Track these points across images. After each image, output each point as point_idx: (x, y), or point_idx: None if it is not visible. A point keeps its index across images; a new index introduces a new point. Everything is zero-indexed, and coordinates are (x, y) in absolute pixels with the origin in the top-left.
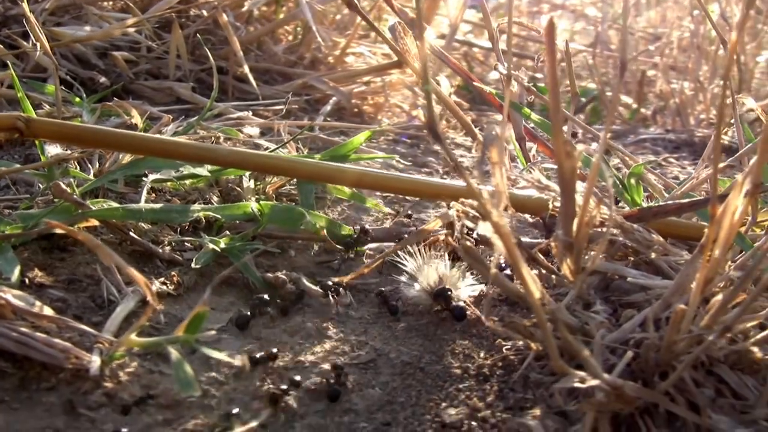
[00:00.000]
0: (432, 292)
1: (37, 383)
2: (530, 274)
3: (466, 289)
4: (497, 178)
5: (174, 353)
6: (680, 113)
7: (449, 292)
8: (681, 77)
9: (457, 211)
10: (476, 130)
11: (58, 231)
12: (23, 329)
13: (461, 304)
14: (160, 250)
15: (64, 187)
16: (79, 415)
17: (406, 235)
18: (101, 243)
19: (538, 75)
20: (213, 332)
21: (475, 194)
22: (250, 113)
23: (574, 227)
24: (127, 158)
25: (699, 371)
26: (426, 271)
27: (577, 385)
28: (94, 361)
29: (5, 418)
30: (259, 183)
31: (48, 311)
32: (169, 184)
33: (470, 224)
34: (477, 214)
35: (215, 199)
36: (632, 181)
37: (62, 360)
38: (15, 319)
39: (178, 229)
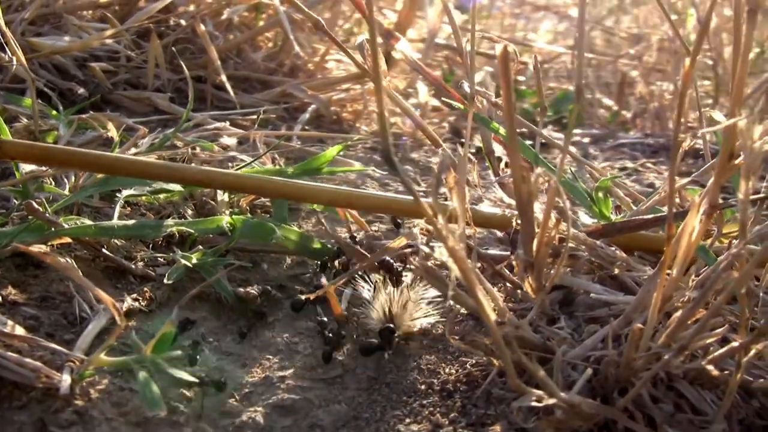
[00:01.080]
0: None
1: (8, 402)
2: (484, 298)
3: (418, 320)
4: (455, 201)
5: (141, 373)
6: (659, 117)
7: (392, 334)
8: (663, 79)
9: (421, 230)
10: (440, 149)
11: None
12: None
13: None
14: (133, 266)
15: (36, 206)
16: None
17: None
18: (71, 265)
19: (521, 77)
20: (179, 352)
21: (432, 220)
22: (228, 123)
23: (534, 246)
24: (101, 174)
25: (659, 387)
26: (379, 301)
27: (535, 403)
28: (65, 380)
29: None
30: (233, 196)
31: (20, 331)
32: (143, 198)
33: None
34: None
35: (189, 212)
36: (600, 194)
37: (33, 379)
38: None
39: (151, 245)
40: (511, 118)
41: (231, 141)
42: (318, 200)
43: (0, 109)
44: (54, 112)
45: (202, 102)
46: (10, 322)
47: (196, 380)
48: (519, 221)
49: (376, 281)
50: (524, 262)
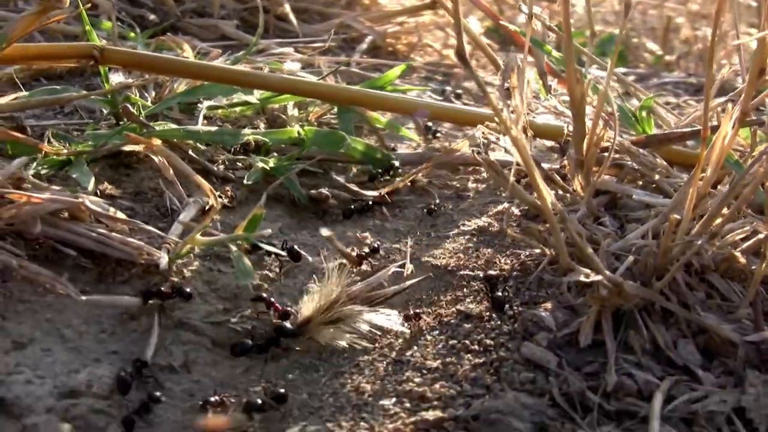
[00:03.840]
0: None
1: (112, 277)
2: (543, 182)
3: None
4: (516, 99)
5: (234, 249)
6: (703, 59)
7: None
8: (709, 24)
9: (483, 133)
10: (501, 62)
11: (125, 149)
12: (101, 230)
13: None
14: (215, 168)
15: (131, 109)
16: (151, 303)
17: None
18: (173, 153)
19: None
20: (269, 231)
21: (497, 111)
22: (292, 50)
23: (585, 146)
24: (182, 87)
25: (693, 277)
26: None
27: (583, 279)
28: (163, 258)
29: (87, 305)
30: (302, 111)
31: (121, 215)
32: (220, 111)
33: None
34: (500, 135)
35: (262, 125)
36: (643, 113)
37: (135, 256)
38: (92, 222)
39: (231, 150)
40: (568, 22)
41: (295, 66)
42: (387, 107)
43: (84, 28)
44: (132, 34)
45: (265, 31)
46: (111, 209)
47: (284, 252)
48: (571, 127)
49: None
50: (575, 161)
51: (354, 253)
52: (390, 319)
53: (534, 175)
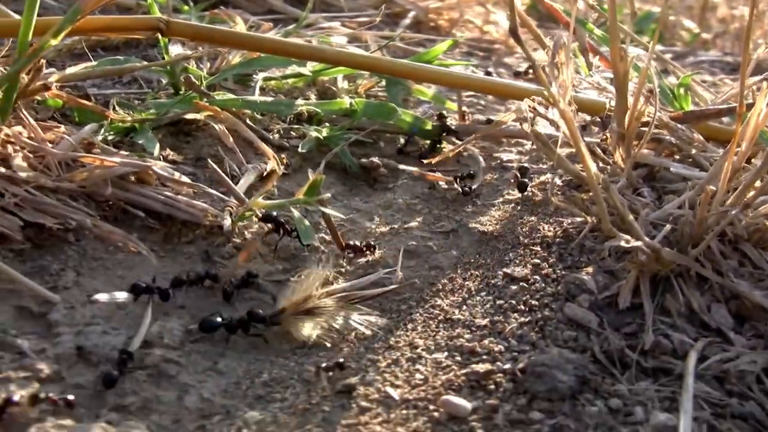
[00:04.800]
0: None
1: (178, 237)
2: (588, 152)
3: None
4: (563, 74)
5: (295, 212)
6: (739, 37)
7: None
8: (745, 3)
9: (529, 106)
10: (545, 40)
11: (185, 117)
12: (167, 193)
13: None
14: (271, 137)
15: (194, 79)
16: (215, 262)
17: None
18: (239, 120)
19: None
20: (328, 195)
21: (546, 85)
22: (338, 24)
23: (626, 120)
24: (236, 59)
25: (726, 246)
26: None
27: (623, 245)
28: (226, 220)
29: (155, 263)
30: (351, 84)
31: (185, 179)
32: (273, 83)
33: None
34: (546, 109)
35: (313, 97)
36: (681, 90)
37: (201, 218)
38: (159, 186)
39: (285, 120)
40: (613, 2)
41: (342, 40)
42: (439, 81)
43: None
44: (185, 7)
45: None
46: (176, 173)
47: (342, 216)
48: (613, 102)
49: None
50: (617, 134)
51: (352, 243)
52: (366, 320)
53: (579, 146)
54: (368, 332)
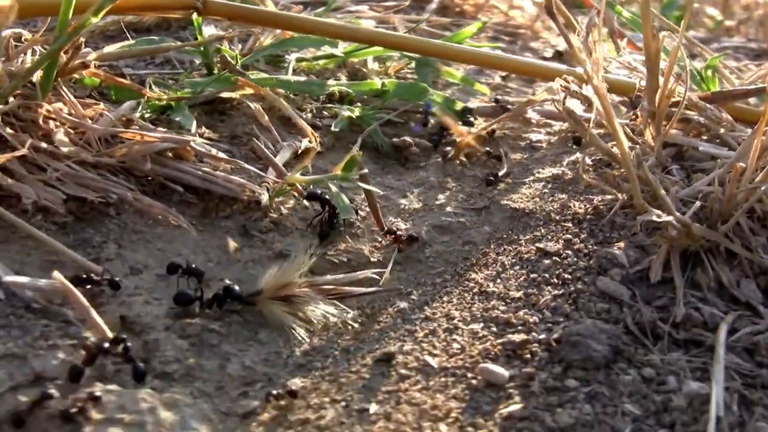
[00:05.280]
0: None
1: (216, 212)
2: (620, 127)
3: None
4: (597, 53)
5: (333, 187)
6: (763, 24)
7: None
8: None
9: (561, 85)
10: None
11: (221, 96)
12: (205, 168)
13: None
14: (304, 116)
15: (229, 59)
16: (252, 237)
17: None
18: (278, 97)
19: None
20: (365, 170)
21: (581, 61)
22: (366, 8)
23: (657, 99)
24: (268, 41)
25: (755, 222)
26: None
27: (655, 219)
28: (264, 195)
29: (194, 236)
30: (381, 65)
31: (223, 155)
32: (304, 63)
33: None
34: (578, 88)
35: (344, 78)
36: (708, 72)
37: (239, 193)
38: (196, 162)
39: (317, 100)
40: None
41: (369, 23)
42: (474, 61)
43: None
44: None
45: None
46: (213, 149)
47: (380, 192)
48: (643, 82)
49: None
50: (647, 113)
51: (394, 232)
52: (342, 314)
53: (612, 121)
54: (341, 326)
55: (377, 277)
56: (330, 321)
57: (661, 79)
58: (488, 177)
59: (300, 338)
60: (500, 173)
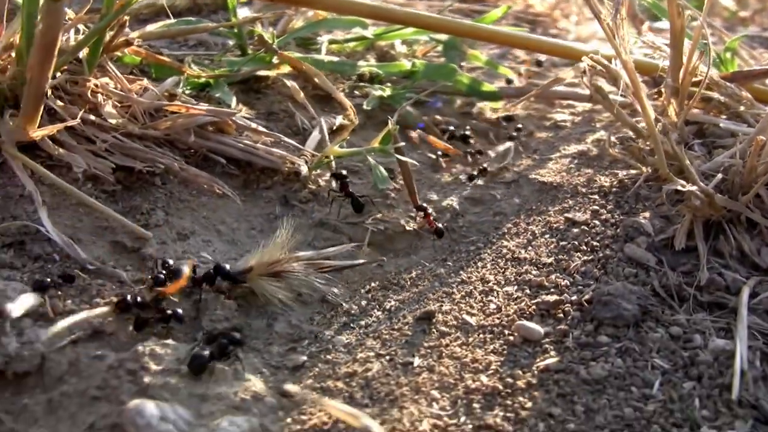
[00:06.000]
0: None
1: (256, 184)
2: (647, 99)
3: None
4: (623, 30)
5: (371, 159)
6: None
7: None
8: None
9: (588, 64)
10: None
11: (257, 75)
12: (246, 141)
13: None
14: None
15: (266, 38)
16: (293, 206)
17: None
18: (320, 72)
19: None
20: (402, 143)
21: (610, 37)
22: None
23: (681, 75)
24: (299, 23)
25: None
26: None
27: (680, 188)
28: (303, 167)
29: (237, 206)
30: (409, 48)
31: (263, 129)
32: (334, 46)
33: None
34: (603, 68)
35: (372, 59)
36: (727, 54)
37: (280, 164)
38: (237, 135)
39: (349, 80)
40: None
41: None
42: (508, 42)
43: None
44: None
45: None
46: (253, 123)
47: (416, 164)
48: (665, 62)
49: None
50: (671, 89)
51: (425, 209)
52: (331, 288)
53: (640, 93)
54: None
55: (354, 250)
56: (317, 295)
57: (685, 58)
58: (471, 173)
59: (340, 300)
60: (485, 166)
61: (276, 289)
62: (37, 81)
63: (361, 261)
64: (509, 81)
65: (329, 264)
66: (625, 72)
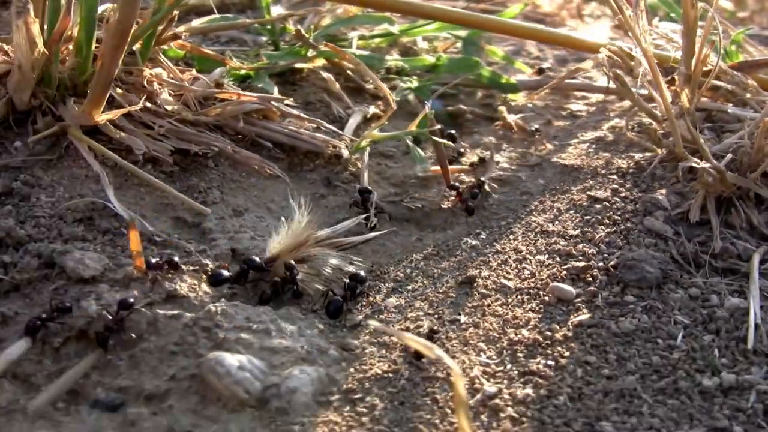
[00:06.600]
0: None
1: (300, 166)
2: (664, 82)
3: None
4: (641, 20)
5: (409, 141)
6: None
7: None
8: None
9: (606, 55)
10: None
11: (294, 67)
12: (291, 127)
13: None
14: (366, 87)
15: (303, 32)
16: (336, 187)
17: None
18: (361, 62)
19: None
20: (438, 126)
21: (629, 25)
22: None
23: (693, 63)
24: (326, 20)
25: None
26: None
27: (694, 164)
28: (345, 150)
29: (284, 185)
30: (430, 44)
31: (305, 116)
32: (360, 42)
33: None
34: (621, 58)
35: (396, 55)
36: (733, 47)
37: (323, 148)
38: (281, 122)
39: (380, 73)
40: None
41: None
42: (532, 36)
43: None
44: None
45: None
46: (295, 111)
47: (453, 143)
48: (677, 53)
49: None
50: (684, 75)
51: (457, 188)
52: (355, 265)
53: (658, 77)
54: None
55: (364, 222)
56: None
57: (697, 47)
58: (472, 191)
59: (386, 269)
60: (484, 178)
61: (303, 274)
62: (108, 67)
63: (372, 235)
64: (541, 70)
65: (348, 242)
66: (645, 59)
